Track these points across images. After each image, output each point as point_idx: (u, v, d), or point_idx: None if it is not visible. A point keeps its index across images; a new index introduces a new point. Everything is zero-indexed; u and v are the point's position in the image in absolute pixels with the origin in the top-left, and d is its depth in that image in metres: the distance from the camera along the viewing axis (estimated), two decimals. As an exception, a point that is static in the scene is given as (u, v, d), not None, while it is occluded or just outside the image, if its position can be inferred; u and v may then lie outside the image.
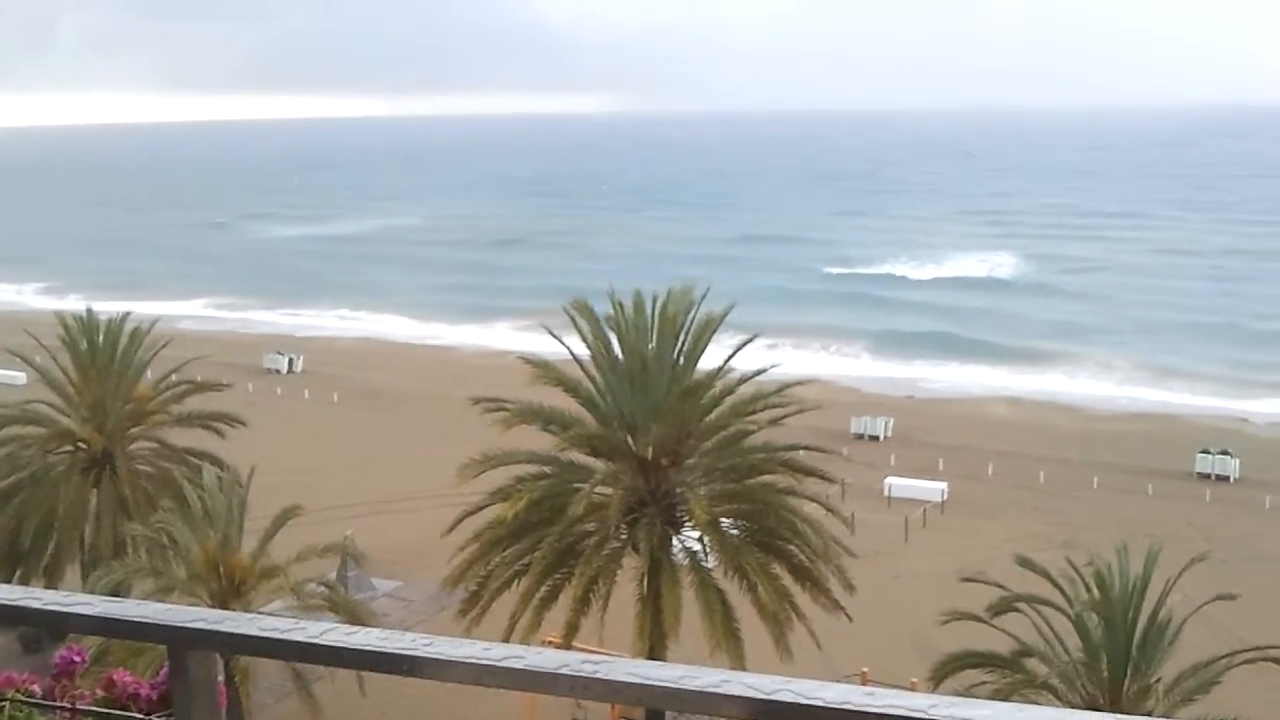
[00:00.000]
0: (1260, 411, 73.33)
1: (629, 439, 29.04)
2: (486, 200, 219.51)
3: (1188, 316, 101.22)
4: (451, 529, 29.04)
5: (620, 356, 29.55)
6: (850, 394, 74.27)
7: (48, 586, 33.59)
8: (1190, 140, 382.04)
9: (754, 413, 29.55)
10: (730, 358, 30.16)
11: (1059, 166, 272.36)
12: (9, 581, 34.51)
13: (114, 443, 37.44)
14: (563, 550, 28.08)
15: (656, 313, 29.48)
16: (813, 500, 29.57)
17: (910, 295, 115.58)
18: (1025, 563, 25.92)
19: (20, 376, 60.83)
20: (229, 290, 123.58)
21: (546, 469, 29.38)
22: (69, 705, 3.38)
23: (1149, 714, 22.75)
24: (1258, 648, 24.31)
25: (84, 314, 39.18)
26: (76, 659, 3.53)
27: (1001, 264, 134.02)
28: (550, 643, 28.14)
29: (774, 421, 29.76)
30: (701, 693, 2.23)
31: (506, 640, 25.93)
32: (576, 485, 27.80)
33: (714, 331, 29.90)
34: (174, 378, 40.87)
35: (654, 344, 29.35)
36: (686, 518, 28.49)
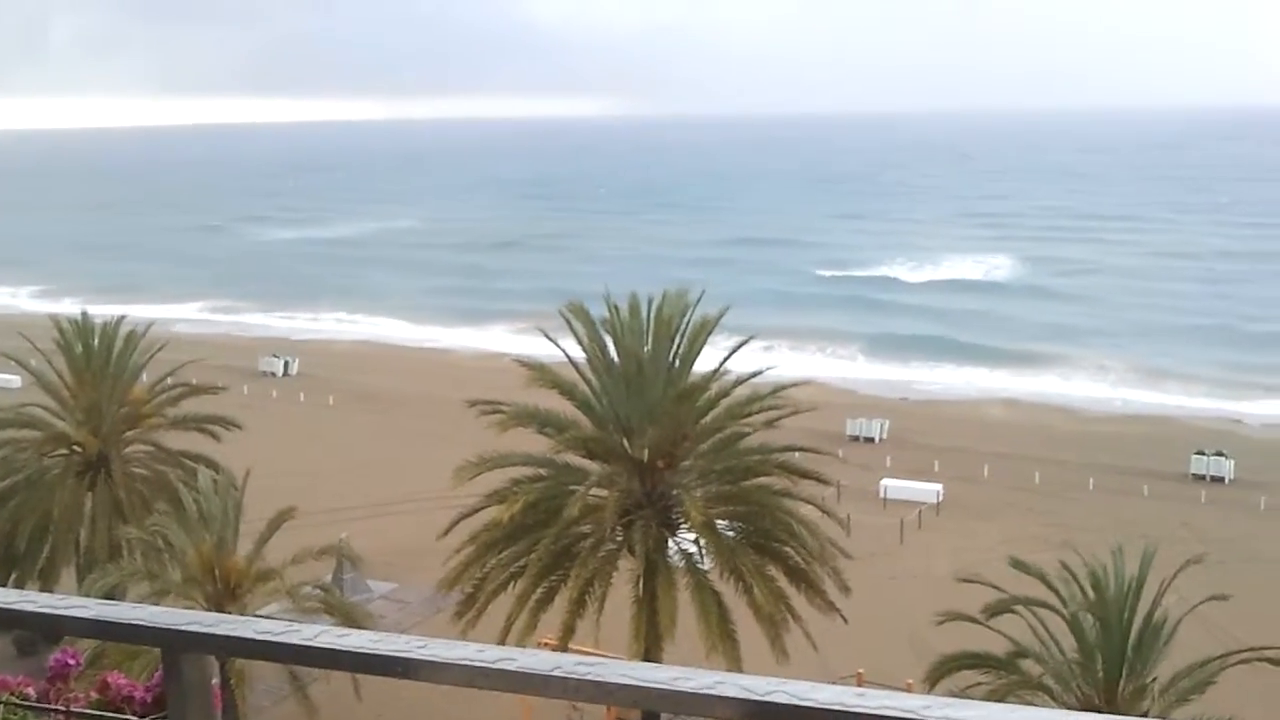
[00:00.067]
0: (1254, 413, 73.46)
1: (625, 441, 29.04)
2: (483, 203, 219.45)
3: (1183, 319, 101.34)
4: (447, 531, 29.05)
5: (616, 359, 29.56)
6: (846, 396, 74.29)
7: (43, 589, 33.53)
8: (1188, 142, 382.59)
9: (749, 415, 29.56)
10: (725, 360, 30.19)
11: (1056, 169, 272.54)
12: (4, 585, 34.49)
13: (109, 446, 37.42)
14: (558, 552, 28.08)
15: (652, 315, 29.50)
16: (808, 502, 29.58)
17: (906, 298, 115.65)
18: (1019, 565, 25.93)
19: (15, 380, 60.73)
20: (224, 293, 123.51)
21: (542, 471, 29.39)
22: (63, 708, 3.38)
23: (1144, 714, 22.76)
24: (1253, 648, 24.35)
25: (79, 317, 39.15)
26: (71, 662, 3.54)
27: (998, 266, 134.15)
28: (546, 644, 28.14)
29: (769, 423, 29.78)
30: (695, 694, 2.23)
31: (502, 642, 25.95)
32: (572, 487, 27.79)
33: (709, 334, 29.92)
34: (169, 381, 40.85)
35: (649, 346, 29.37)
36: (682, 520, 28.51)
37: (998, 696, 23.67)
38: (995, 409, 75.27)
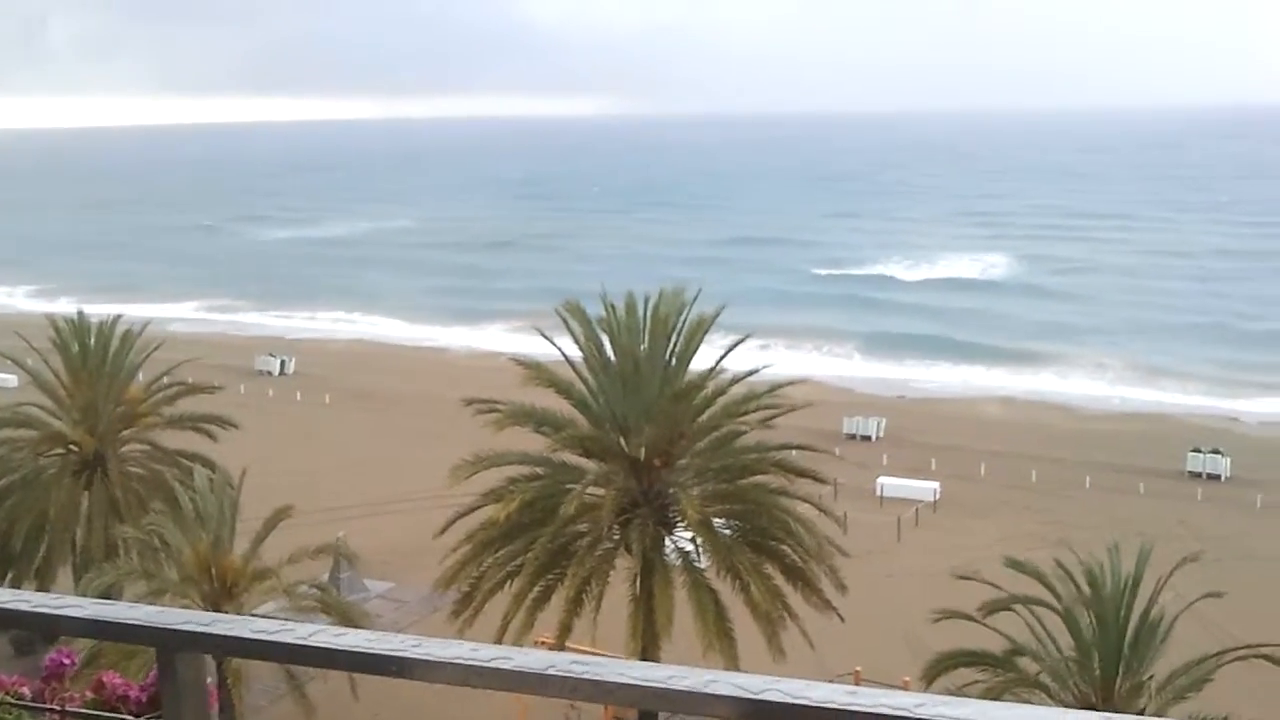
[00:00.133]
0: (1251, 411, 73.59)
1: (621, 440, 29.04)
2: (480, 202, 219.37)
3: (1179, 317, 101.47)
4: (444, 530, 29.05)
5: (612, 358, 29.56)
6: (843, 394, 74.31)
7: (39, 589, 33.50)
8: (1188, 141, 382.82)
9: (746, 413, 29.57)
10: (722, 358, 30.19)
11: (1055, 168, 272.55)
12: (0, 585, 34.47)
13: (105, 445, 37.40)
14: (555, 551, 28.08)
15: (648, 314, 29.49)
16: (805, 500, 29.59)
17: (903, 296, 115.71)
18: (1015, 564, 25.94)
19: (12, 379, 60.69)
20: (221, 293, 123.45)
21: (539, 470, 29.39)
22: (58, 708, 3.38)
23: (1141, 712, 22.79)
24: (1249, 645, 24.39)
25: (75, 316, 39.12)
26: (66, 662, 3.54)
27: (994, 265, 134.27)
28: (543, 643, 28.15)
29: (765, 422, 29.78)
30: (689, 693, 2.23)
31: (499, 641, 25.95)
32: (569, 486, 27.79)
33: (706, 332, 29.94)
34: (165, 380, 40.81)
35: (646, 345, 29.37)
36: (679, 518, 28.51)
37: (994, 694, 23.69)
38: (992, 407, 75.34)
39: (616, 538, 28.44)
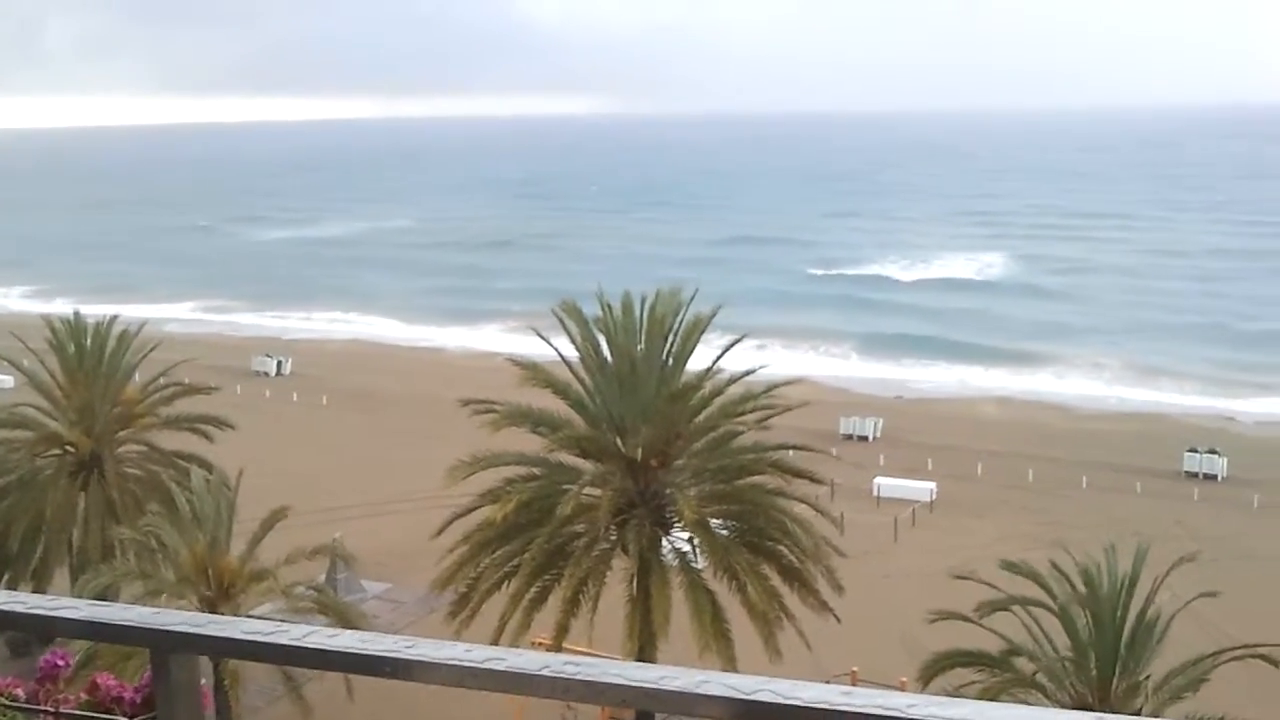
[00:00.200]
0: (1247, 411, 73.67)
1: (618, 440, 29.04)
2: (477, 202, 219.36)
3: (1176, 317, 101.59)
4: (441, 531, 29.05)
5: (609, 358, 29.56)
6: (839, 394, 74.35)
7: (36, 590, 33.48)
8: (1187, 141, 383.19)
9: (743, 414, 29.57)
10: (719, 358, 30.19)
11: (1053, 168, 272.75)
12: (-3, 586, 34.45)
13: (102, 446, 37.36)
14: (552, 551, 28.08)
15: (645, 314, 29.49)
16: (802, 501, 29.60)
17: (900, 296, 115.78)
18: (1010, 567, 25.94)
19: (8, 380, 60.64)
20: (217, 293, 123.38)
21: (536, 471, 29.39)
22: (52, 709, 3.38)
23: (1138, 712, 22.82)
24: (1246, 645, 24.41)
25: (71, 317, 39.09)
26: (60, 663, 3.54)
27: (992, 264, 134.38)
28: (540, 644, 28.16)
29: (762, 422, 29.79)
30: (681, 693, 2.24)
31: (496, 642, 25.96)
32: (566, 486, 27.80)
33: (702, 332, 29.93)
34: (162, 380, 40.78)
35: (643, 345, 29.36)
36: (676, 518, 28.50)
37: (991, 694, 23.71)
38: (988, 407, 75.39)
39: (613, 538, 28.44)
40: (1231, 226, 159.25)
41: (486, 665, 2.39)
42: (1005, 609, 24.94)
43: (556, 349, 30.65)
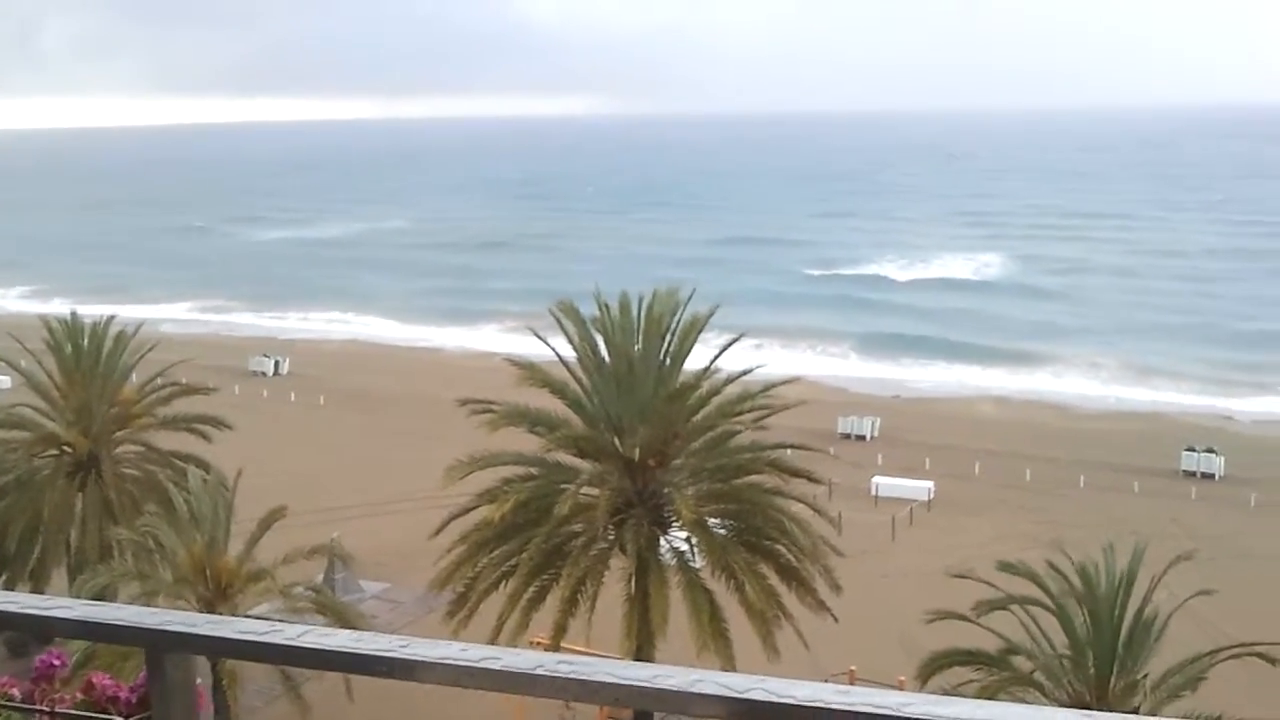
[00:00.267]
0: (1245, 410, 73.74)
1: (616, 440, 29.04)
2: (475, 202, 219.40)
3: (1174, 316, 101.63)
4: (439, 531, 29.05)
5: (606, 358, 29.55)
6: (837, 394, 74.37)
7: (33, 591, 33.47)
8: (1186, 140, 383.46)
9: (740, 413, 29.57)
10: (716, 358, 30.18)
11: (1052, 167, 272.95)
12: (-6, 586, 34.44)
13: (99, 446, 37.33)
14: (550, 551, 28.08)
15: (642, 314, 29.49)
16: (800, 500, 29.61)
17: (898, 296, 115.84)
18: (1007, 567, 25.95)
19: (5, 380, 60.62)
20: (215, 294, 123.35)
21: (533, 470, 29.38)
22: (48, 709, 3.38)
23: (1135, 710, 22.83)
24: (1243, 644, 24.42)
25: (68, 317, 39.06)
26: (56, 663, 3.53)
27: (989, 265, 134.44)
28: (538, 644, 28.15)
29: (759, 421, 29.78)
30: (676, 692, 2.24)
31: (494, 642, 25.96)
32: (563, 486, 27.80)
33: (700, 332, 29.92)
34: (159, 381, 40.75)
35: (640, 345, 29.36)
36: (674, 518, 28.50)
37: (989, 693, 23.71)
38: (986, 406, 75.44)
39: (611, 538, 28.43)
40: (1230, 226, 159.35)
41: (482, 664, 2.39)
42: (1003, 608, 24.96)
43: (554, 349, 30.64)
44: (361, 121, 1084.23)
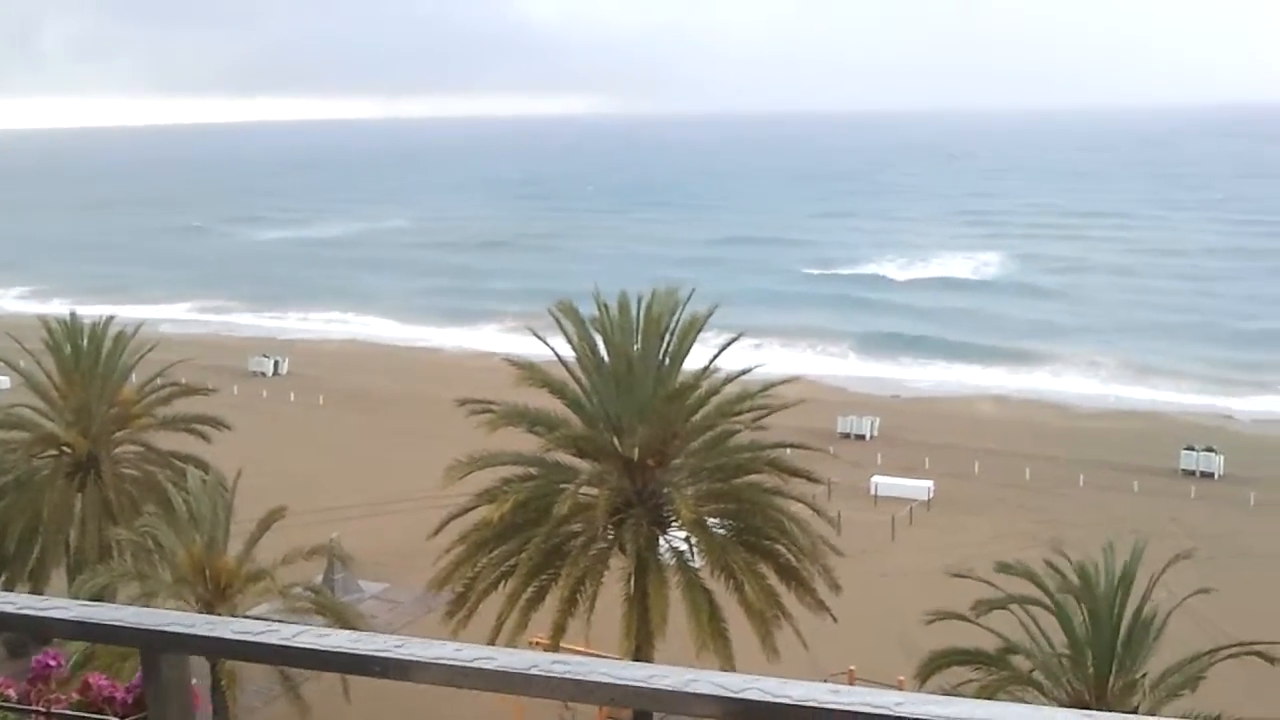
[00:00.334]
0: (1244, 409, 73.76)
1: (615, 440, 29.04)
2: (475, 202, 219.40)
3: (1174, 315, 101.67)
4: (438, 531, 29.05)
5: (606, 358, 29.56)
6: (837, 393, 74.39)
7: (33, 591, 33.47)
8: (1186, 140, 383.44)
9: (740, 413, 29.57)
10: (715, 357, 30.18)
11: (1051, 167, 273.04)
12: (-7, 587, 34.43)
13: (98, 446, 37.33)
14: (549, 551, 28.08)
15: (642, 314, 29.49)
16: (799, 500, 29.61)
17: (898, 296, 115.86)
18: (1005, 568, 25.95)
19: (4, 381, 60.62)
20: (214, 294, 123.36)
21: (533, 470, 29.38)
22: (44, 709, 3.38)
23: (1134, 710, 22.83)
24: (1243, 643, 24.42)
25: (68, 318, 39.05)
26: (52, 663, 3.54)
27: (988, 264, 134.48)
28: (537, 644, 28.15)
29: (759, 421, 29.78)
30: (670, 691, 2.24)
31: (493, 642, 25.97)
32: (563, 486, 27.81)
33: (699, 332, 29.93)
34: (159, 381, 40.75)
35: (639, 345, 29.36)
36: (673, 518, 28.51)
37: (988, 692, 23.72)
38: (986, 406, 75.46)
39: (610, 538, 28.43)
40: (1229, 225, 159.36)
41: (476, 664, 2.39)
42: (1003, 607, 24.96)
43: (553, 349, 30.65)
44: (361, 121, 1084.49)
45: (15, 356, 39.89)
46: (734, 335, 31.40)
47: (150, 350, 40.68)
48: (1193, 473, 58.23)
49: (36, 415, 37.63)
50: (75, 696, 3.49)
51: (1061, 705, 20.29)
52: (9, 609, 2.88)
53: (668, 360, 29.57)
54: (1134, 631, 23.86)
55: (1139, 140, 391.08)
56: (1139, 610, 23.94)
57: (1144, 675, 23.80)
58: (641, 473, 28.81)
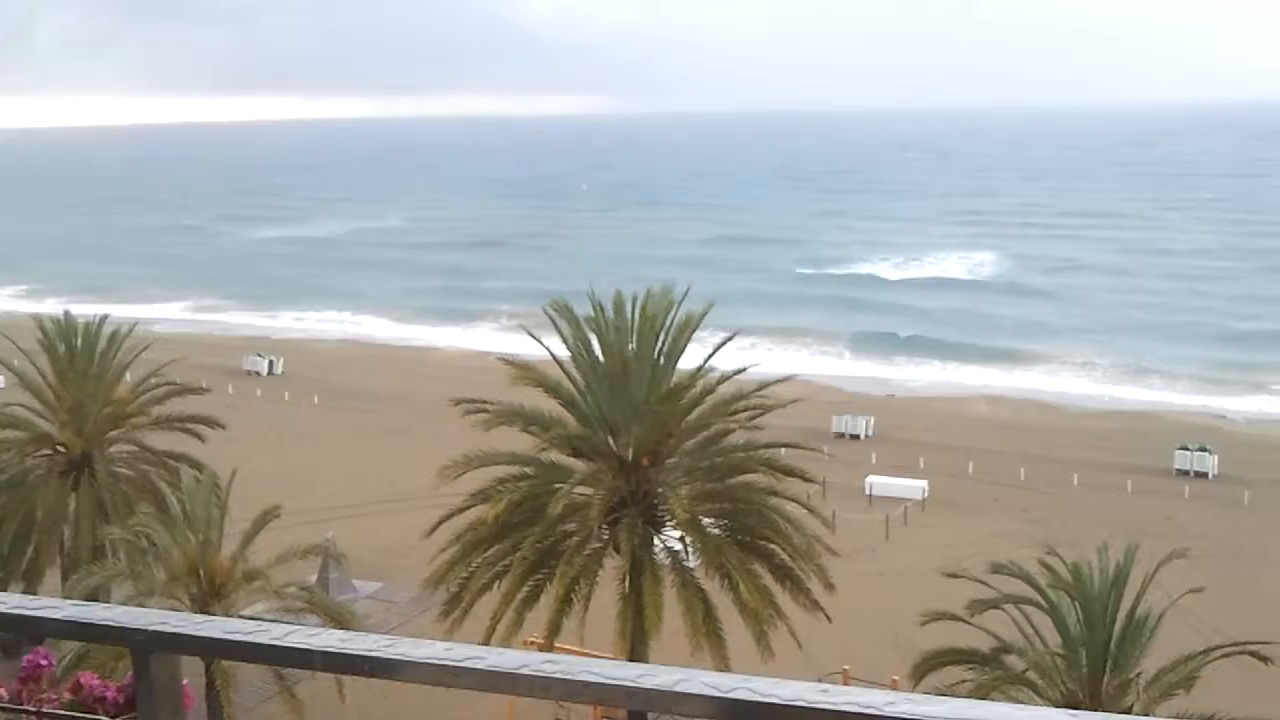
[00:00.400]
0: (1238, 408, 73.90)
1: (609, 439, 29.04)
2: (468, 201, 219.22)
3: (1167, 315, 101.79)
4: (432, 531, 29.01)
5: (600, 357, 29.54)
6: (832, 393, 74.41)
7: (26, 591, 33.41)
8: (1179, 138, 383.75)
9: (734, 412, 29.57)
10: (710, 357, 30.20)
11: (1046, 166, 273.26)
12: (-13, 586, 34.37)
13: (93, 446, 37.26)
14: (544, 551, 28.05)
15: (636, 313, 29.48)
16: (793, 500, 29.61)
17: (892, 295, 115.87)
18: (999, 568, 25.96)
19: (-2, 380, 60.44)
20: (209, 293, 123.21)
21: (527, 470, 29.35)
22: (34, 709, 3.37)
23: (1128, 709, 22.84)
24: (1237, 642, 24.46)
25: (62, 317, 38.97)
26: (43, 663, 3.53)
27: (982, 263, 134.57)
28: (532, 643, 28.14)
29: (753, 420, 29.78)
30: (660, 691, 2.24)
31: (487, 641, 25.96)
32: (557, 486, 27.76)
33: (693, 331, 29.92)
34: (153, 380, 40.66)
35: (634, 344, 29.35)
36: (668, 517, 28.50)
37: (982, 692, 23.72)
38: (980, 405, 75.50)
39: (605, 537, 28.43)
40: (1221, 225, 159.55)
41: (466, 664, 2.39)
42: (997, 607, 24.97)
43: (547, 348, 30.65)
44: (355, 120, 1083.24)
45: (9, 356, 39.77)
46: (729, 335, 31.43)
47: (144, 349, 40.60)
48: (1187, 472, 58.29)
49: (31, 414, 37.56)
50: (67, 696, 3.48)
51: (1055, 705, 20.32)
52: (1, 609, 2.88)
53: (662, 360, 29.56)
54: (1128, 631, 23.87)
55: (1136, 139, 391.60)
56: (1133, 610, 23.95)
57: (1138, 675, 23.79)
58: (636, 472, 28.80)
